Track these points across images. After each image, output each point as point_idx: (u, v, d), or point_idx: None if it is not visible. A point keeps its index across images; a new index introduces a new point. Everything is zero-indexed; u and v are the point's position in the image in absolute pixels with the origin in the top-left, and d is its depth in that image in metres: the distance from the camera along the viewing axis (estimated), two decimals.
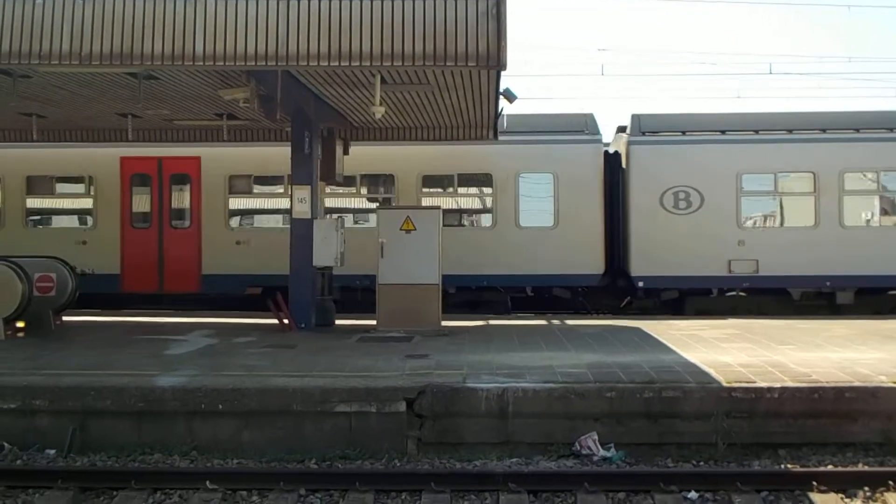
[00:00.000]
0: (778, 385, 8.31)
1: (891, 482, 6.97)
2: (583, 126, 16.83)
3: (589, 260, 16.34)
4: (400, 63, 9.30)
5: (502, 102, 12.89)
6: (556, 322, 14.06)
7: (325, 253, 12.86)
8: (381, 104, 10.96)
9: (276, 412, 8.24)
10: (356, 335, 12.10)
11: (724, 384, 8.34)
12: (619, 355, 10.00)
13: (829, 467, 7.57)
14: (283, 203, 16.33)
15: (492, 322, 14.06)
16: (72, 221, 17.75)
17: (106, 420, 8.30)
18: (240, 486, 7.16)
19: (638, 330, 12.55)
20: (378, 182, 17.05)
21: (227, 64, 9.47)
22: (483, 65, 9.25)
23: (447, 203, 16.76)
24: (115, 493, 7.12)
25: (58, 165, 17.17)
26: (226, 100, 11.43)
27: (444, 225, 14.37)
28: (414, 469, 7.66)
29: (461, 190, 16.98)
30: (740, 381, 8.42)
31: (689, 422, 8.18)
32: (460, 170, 16.75)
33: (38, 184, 17.37)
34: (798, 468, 7.54)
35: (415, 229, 12.82)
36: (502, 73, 10.37)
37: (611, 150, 17.28)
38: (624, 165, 16.84)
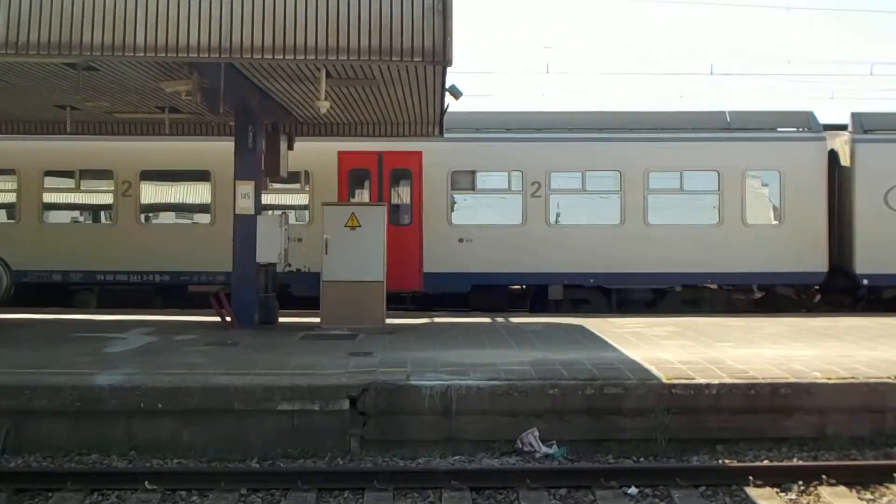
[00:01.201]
0: (716, 381, 8.47)
1: (824, 476, 7.16)
2: (805, 123, 16.87)
3: (814, 258, 16.37)
4: (345, 57, 9.23)
5: (448, 98, 12.91)
6: (500, 320, 14.13)
7: (268, 249, 12.72)
8: (326, 99, 10.87)
9: (217, 411, 8.14)
10: (300, 333, 12.00)
11: (665, 381, 8.47)
12: (562, 353, 10.09)
13: (765, 462, 7.75)
14: (512, 200, 16.37)
15: (436, 320, 14.07)
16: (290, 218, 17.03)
17: (42, 420, 8.10)
18: (179, 487, 7.05)
19: (581, 328, 12.68)
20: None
21: (168, 55, 9.28)
22: (429, 60, 9.23)
23: (667, 201, 16.57)
24: (50, 494, 6.95)
25: None
26: (168, 92, 11.25)
27: (663, 222, 15.13)
28: (357, 467, 7.64)
29: (687, 187, 16.72)
30: (680, 378, 8.56)
31: (630, 418, 8.29)
32: (687, 167, 16.61)
33: None
34: (735, 463, 7.70)
35: (360, 226, 12.76)
36: (448, 69, 10.38)
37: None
38: (845, 163, 16.82)
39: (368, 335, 11.78)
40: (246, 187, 12.76)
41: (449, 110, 14.03)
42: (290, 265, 13.55)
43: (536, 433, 8.08)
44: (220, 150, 14.84)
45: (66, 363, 9.27)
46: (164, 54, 9.26)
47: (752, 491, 7.04)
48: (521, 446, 8.02)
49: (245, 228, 12.74)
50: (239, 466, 7.64)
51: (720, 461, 7.84)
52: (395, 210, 16.65)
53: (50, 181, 16.83)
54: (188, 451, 7.96)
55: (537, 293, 16.79)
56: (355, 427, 8.17)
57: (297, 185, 16.74)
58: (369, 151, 16.57)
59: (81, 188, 16.99)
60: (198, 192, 17.03)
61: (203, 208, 16.88)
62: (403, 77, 11.32)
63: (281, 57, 9.25)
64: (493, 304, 16.36)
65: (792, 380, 8.56)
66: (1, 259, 12.74)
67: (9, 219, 16.78)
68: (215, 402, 8.14)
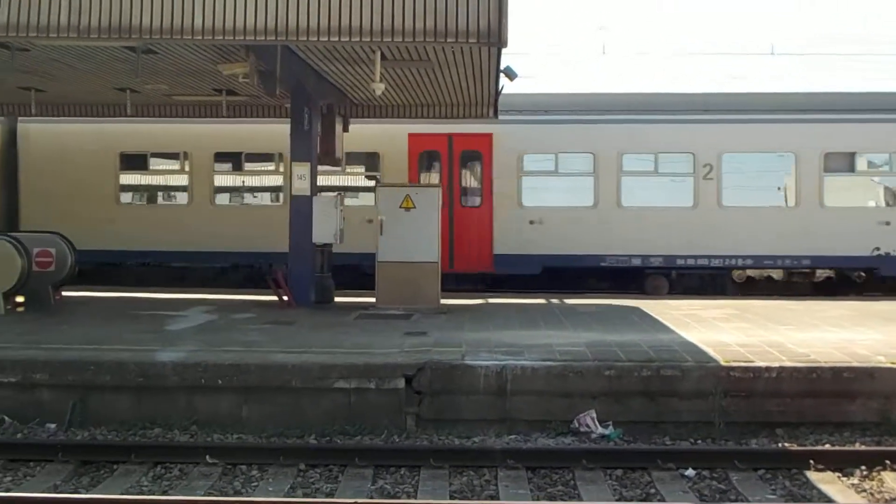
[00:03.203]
0: (776, 364, 8.33)
1: (887, 461, 7.01)
2: None
3: None
4: (400, 39, 9.23)
5: (503, 80, 12.84)
6: (555, 301, 14.07)
7: (324, 230, 12.84)
8: (381, 81, 10.91)
9: (275, 388, 8.26)
10: (355, 312, 12.11)
11: (723, 363, 8.36)
12: (618, 334, 10.02)
13: (827, 446, 7.60)
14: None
15: (491, 301, 14.07)
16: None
17: (106, 394, 8.32)
18: (239, 461, 7.19)
19: (636, 309, 12.57)
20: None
21: (225, 38, 9.40)
22: (484, 41, 9.20)
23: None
24: (115, 466, 7.15)
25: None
26: (225, 75, 11.38)
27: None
28: (413, 445, 7.69)
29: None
30: (738, 361, 8.44)
31: (687, 400, 8.21)
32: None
33: None
34: (796, 447, 7.58)
35: (414, 207, 12.80)
36: (503, 50, 10.32)
37: None
38: None
39: (423, 315, 11.84)
40: (302, 169, 12.88)
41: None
42: None
43: (594, 414, 8.04)
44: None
45: (130, 340, 9.50)
46: (220, 37, 9.38)
47: (812, 475, 6.93)
48: (577, 427, 7.99)
49: (301, 209, 12.88)
50: (297, 443, 7.76)
51: (780, 445, 7.72)
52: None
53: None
54: (247, 426, 8.11)
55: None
56: (411, 405, 8.22)
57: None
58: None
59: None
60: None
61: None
62: (458, 59, 11.28)
63: (336, 39, 9.30)
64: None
65: (855, 364, 8.38)
66: (66, 239, 13.04)
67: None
68: (273, 380, 8.26)
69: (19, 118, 17.04)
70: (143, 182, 17.78)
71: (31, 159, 17.34)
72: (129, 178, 17.56)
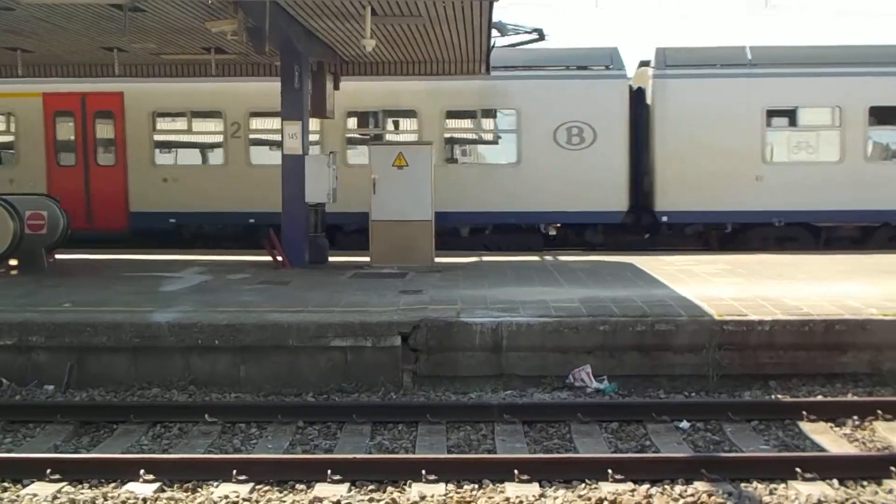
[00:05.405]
0: (769, 318, 8.40)
1: (879, 411, 7.12)
2: None
3: None
4: None
5: (494, 35, 12.71)
6: (548, 258, 14.10)
7: (317, 189, 12.77)
8: (371, 37, 10.78)
9: (272, 347, 8.30)
10: (350, 272, 12.12)
11: (716, 317, 8.42)
12: (612, 290, 10.06)
13: (819, 397, 7.71)
14: None
15: (485, 258, 14.09)
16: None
17: (103, 356, 8.35)
18: (238, 419, 7.25)
19: (630, 265, 12.60)
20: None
21: None
22: None
23: None
24: (115, 426, 7.20)
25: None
26: (213, 32, 11.21)
27: None
28: (410, 402, 7.77)
29: None
30: (732, 315, 8.50)
31: (681, 354, 8.29)
32: None
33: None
34: (788, 398, 7.68)
35: (407, 165, 12.74)
36: (495, 4, 10.21)
37: None
38: None
39: (418, 273, 11.85)
40: (293, 127, 12.76)
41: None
42: None
43: (589, 369, 8.12)
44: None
45: (125, 301, 9.50)
46: None
47: (805, 426, 7.02)
48: (572, 381, 8.07)
49: (293, 168, 12.79)
50: (295, 401, 7.82)
51: (773, 396, 7.82)
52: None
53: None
54: (245, 385, 8.17)
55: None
56: (407, 363, 8.28)
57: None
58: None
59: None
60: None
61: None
62: (449, 13, 11.14)
63: None
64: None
65: (847, 316, 8.46)
66: (56, 201, 12.96)
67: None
68: (270, 339, 8.30)
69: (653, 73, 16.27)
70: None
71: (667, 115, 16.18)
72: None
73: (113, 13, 11.07)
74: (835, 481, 5.78)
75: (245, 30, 10.73)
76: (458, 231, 16.41)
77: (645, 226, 16.68)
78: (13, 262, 12.29)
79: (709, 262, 13.02)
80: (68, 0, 9.81)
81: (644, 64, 16.92)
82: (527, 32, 17.38)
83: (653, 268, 12.16)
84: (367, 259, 12.84)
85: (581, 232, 16.66)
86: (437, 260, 12.97)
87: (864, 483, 5.78)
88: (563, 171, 15.98)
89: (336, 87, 14.73)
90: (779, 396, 7.80)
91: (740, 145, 15.81)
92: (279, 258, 12.84)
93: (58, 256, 13.45)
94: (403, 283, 10.91)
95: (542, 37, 17.36)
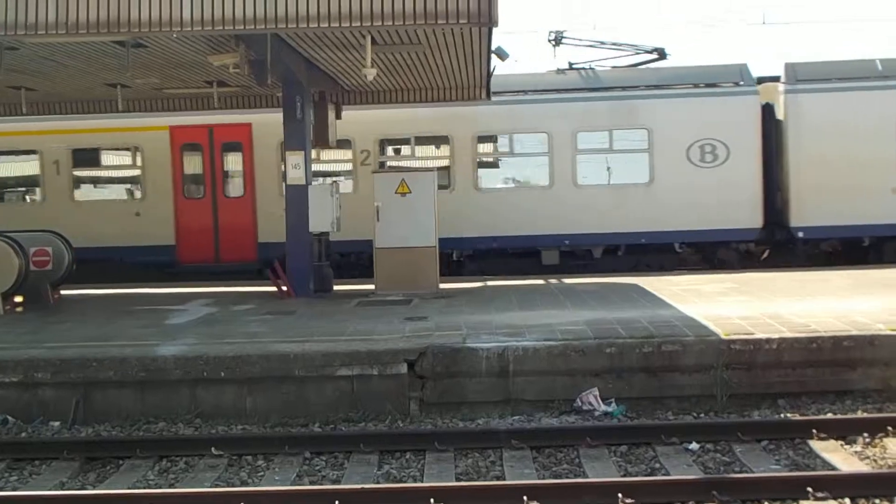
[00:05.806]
0: (776, 336, 8.35)
1: (889, 427, 7.04)
2: None
3: None
4: (390, 22, 9.17)
5: (495, 61, 12.79)
6: (553, 282, 14.08)
7: (320, 218, 12.80)
8: (372, 66, 10.86)
9: (278, 378, 8.28)
10: (355, 300, 12.11)
11: (723, 336, 8.38)
12: (618, 311, 10.03)
13: (829, 415, 7.64)
14: None
15: (490, 283, 14.08)
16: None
17: (109, 390, 8.34)
18: (245, 452, 7.21)
19: (635, 286, 12.58)
20: None
21: (215, 28, 9.34)
22: (474, 22, 9.14)
23: None
24: (121, 461, 7.17)
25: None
26: (215, 66, 11.33)
27: None
28: (417, 429, 7.72)
29: None
30: (739, 333, 8.46)
31: (688, 375, 8.24)
32: None
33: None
34: (798, 417, 7.61)
35: (410, 192, 12.77)
36: (494, 30, 10.27)
37: None
38: None
39: (423, 300, 11.84)
40: (296, 157, 12.83)
41: None
42: None
43: (596, 392, 8.07)
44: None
45: (131, 335, 9.50)
46: (210, 27, 9.31)
47: (816, 444, 6.96)
48: (580, 405, 8.02)
49: (297, 198, 12.84)
50: (302, 431, 7.78)
51: (782, 415, 7.76)
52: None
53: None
54: (251, 417, 8.14)
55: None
56: (414, 390, 8.25)
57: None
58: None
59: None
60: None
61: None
62: (449, 40, 11.23)
63: (326, 25, 9.24)
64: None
65: (854, 332, 8.40)
66: (62, 237, 12.99)
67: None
68: (276, 370, 8.28)
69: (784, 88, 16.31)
70: None
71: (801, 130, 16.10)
72: None
73: (116, 50, 11.19)
74: (847, 500, 5.72)
75: (247, 62, 10.84)
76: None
77: (777, 242, 16.53)
78: (18, 299, 12.30)
79: (715, 280, 12.98)
80: (71, 38, 9.89)
81: (767, 79, 16.80)
82: (647, 52, 17.41)
83: (658, 288, 12.14)
84: (372, 287, 12.85)
85: (713, 251, 16.51)
86: (442, 286, 12.98)
87: (877, 501, 5.72)
88: (696, 190, 15.90)
89: (338, 117, 14.82)
90: (788, 415, 7.74)
91: (874, 157, 15.68)
92: (284, 288, 12.85)
93: (63, 292, 13.47)
94: (409, 310, 10.90)
95: (662, 56, 17.28)
